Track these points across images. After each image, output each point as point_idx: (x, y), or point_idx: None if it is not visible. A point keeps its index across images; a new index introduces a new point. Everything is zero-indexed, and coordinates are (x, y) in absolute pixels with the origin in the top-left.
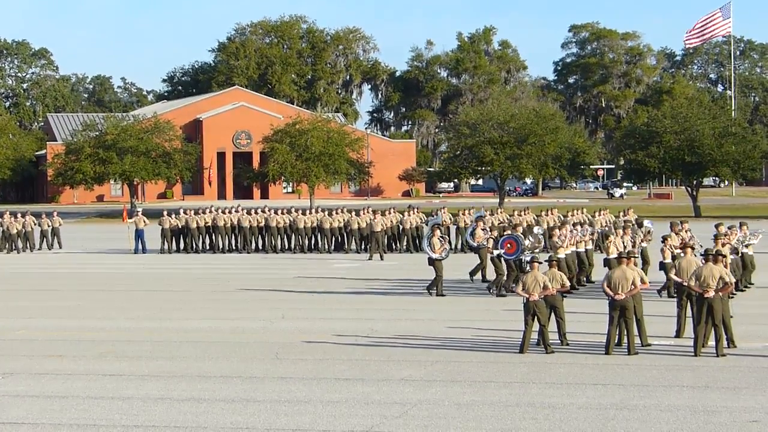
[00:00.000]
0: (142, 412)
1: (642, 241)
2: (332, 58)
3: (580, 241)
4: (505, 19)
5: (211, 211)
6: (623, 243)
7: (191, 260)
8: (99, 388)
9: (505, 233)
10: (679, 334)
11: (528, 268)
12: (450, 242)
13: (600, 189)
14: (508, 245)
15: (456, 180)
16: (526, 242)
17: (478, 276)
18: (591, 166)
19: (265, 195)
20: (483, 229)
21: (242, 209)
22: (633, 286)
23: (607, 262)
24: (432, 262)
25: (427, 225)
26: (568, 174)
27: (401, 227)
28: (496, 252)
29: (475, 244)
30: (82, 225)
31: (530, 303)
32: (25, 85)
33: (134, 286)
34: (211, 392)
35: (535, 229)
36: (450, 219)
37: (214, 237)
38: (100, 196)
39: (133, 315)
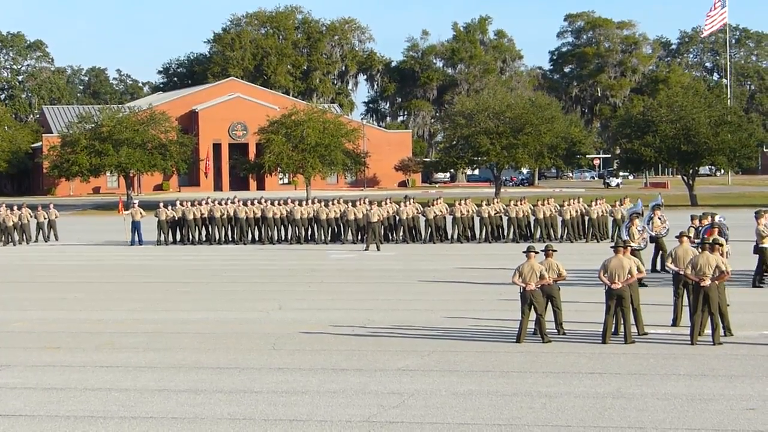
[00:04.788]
0: (139, 403)
1: None
2: (328, 48)
3: None
4: (500, 9)
5: (207, 203)
6: None
7: (188, 252)
8: (96, 379)
9: (707, 221)
10: (675, 322)
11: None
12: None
13: (596, 178)
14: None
15: (452, 170)
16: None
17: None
18: (587, 156)
19: (261, 186)
20: (659, 218)
21: (239, 200)
22: (629, 275)
23: None
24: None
25: (626, 213)
26: (564, 164)
27: (398, 218)
28: (698, 242)
29: (653, 234)
30: (78, 217)
31: (527, 292)
32: (20, 78)
33: (131, 278)
34: (208, 383)
35: (717, 218)
36: (446, 209)
37: (210, 228)
38: (96, 188)
39: (129, 306)
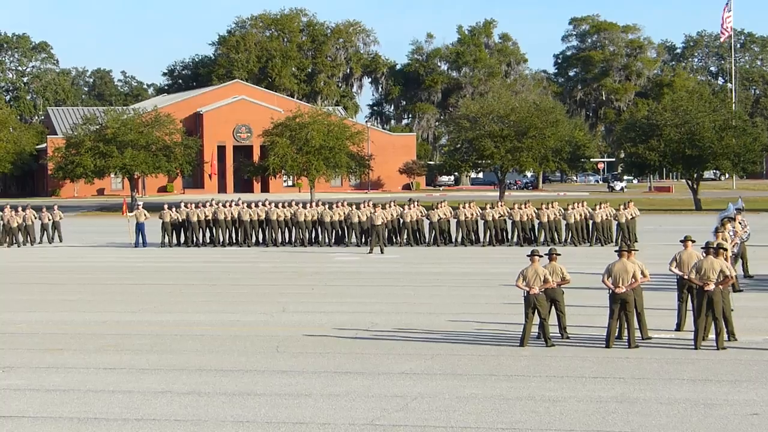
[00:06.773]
0: (142, 405)
1: None
2: (332, 51)
3: None
4: (505, 12)
5: (211, 205)
6: None
7: (192, 254)
8: (99, 381)
9: None
10: (679, 327)
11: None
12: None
13: (600, 182)
14: None
15: (456, 173)
16: None
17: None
18: (591, 160)
19: (265, 189)
20: (740, 222)
21: (243, 203)
22: (633, 279)
23: None
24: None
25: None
26: (569, 167)
27: (401, 221)
28: None
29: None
30: (82, 219)
31: (531, 296)
32: (25, 79)
33: (135, 280)
34: (211, 386)
35: None
36: (450, 212)
37: (214, 230)
38: (100, 189)
39: (133, 308)
